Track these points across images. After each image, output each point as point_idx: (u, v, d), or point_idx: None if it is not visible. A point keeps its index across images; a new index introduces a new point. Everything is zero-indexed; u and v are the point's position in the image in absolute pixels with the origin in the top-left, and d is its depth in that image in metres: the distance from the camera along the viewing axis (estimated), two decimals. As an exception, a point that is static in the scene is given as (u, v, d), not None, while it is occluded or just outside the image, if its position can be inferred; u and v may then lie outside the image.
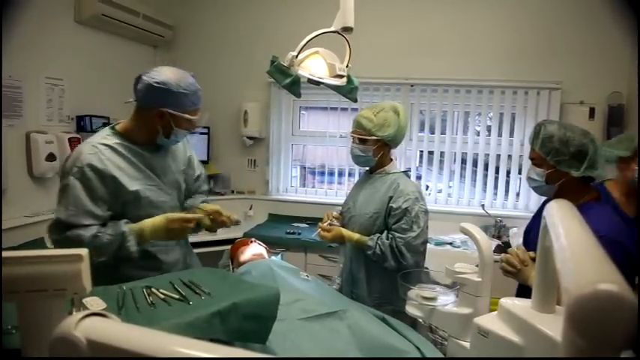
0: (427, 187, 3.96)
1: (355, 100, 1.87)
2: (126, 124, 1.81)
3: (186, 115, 1.76)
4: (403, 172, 2.22)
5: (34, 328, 0.89)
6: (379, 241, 2.04)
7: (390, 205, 2.07)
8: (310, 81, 1.67)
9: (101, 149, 1.70)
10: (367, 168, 2.27)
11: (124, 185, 1.71)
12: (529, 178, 1.83)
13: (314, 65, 1.65)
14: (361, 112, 2.16)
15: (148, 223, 1.71)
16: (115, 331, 0.65)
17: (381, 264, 2.04)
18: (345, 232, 2.14)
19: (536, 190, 1.86)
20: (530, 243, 1.94)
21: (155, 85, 1.70)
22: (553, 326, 1.07)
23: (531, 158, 1.82)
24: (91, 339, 0.63)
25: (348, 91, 1.77)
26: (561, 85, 3.48)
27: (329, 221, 2.24)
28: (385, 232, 2.08)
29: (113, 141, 1.75)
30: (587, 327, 0.40)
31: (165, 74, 1.73)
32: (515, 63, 3.57)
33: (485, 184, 3.74)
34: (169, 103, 1.72)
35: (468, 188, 3.83)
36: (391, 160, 2.23)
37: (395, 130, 2.10)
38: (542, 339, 1.05)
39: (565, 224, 0.79)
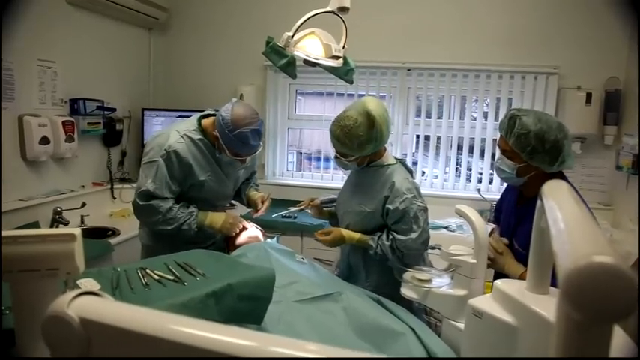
0: (423, 173, 3.96)
1: (351, 82, 1.85)
2: (208, 123, 2.11)
3: (228, 153, 2.04)
4: (399, 160, 2.07)
5: (27, 308, 0.89)
6: (380, 242, 1.95)
7: (387, 206, 1.93)
8: (306, 62, 1.65)
9: (187, 141, 2.05)
10: None
11: (196, 174, 2.07)
12: (498, 169, 1.79)
13: (310, 46, 1.63)
14: (333, 131, 1.93)
15: (210, 216, 2.12)
16: (109, 309, 0.65)
17: (385, 262, 1.97)
18: (346, 232, 2.01)
19: (505, 180, 1.84)
20: (502, 225, 1.95)
21: (220, 114, 1.99)
22: (547, 307, 1.07)
23: (503, 150, 1.76)
24: (84, 317, 0.62)
25: (345, 72, 1.75)
26: (558, 69, 3.47)
27: (303, 207, 2.22)
28: (385, 231, 1.98)
29: (197, 137, 2.08)
30: (582, 300, 0.40)
31: (233, 112, 1.97)
32: (512, 47, 3.55)
33: (481, 168, 3.74)
34: (221, 135, 2.00)
35: (464, 173, 3.83)
36: (384, 150, 2.06)
37: (374, 144, 1.91)
38: (536, 319, 1.05)
39: (562, 205, 0.79)
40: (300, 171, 4.26)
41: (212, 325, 0.57)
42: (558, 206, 0.79)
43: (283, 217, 3.34)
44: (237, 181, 2.34)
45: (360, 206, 2.02)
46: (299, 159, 4.37)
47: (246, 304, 1.19)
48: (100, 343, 0.62)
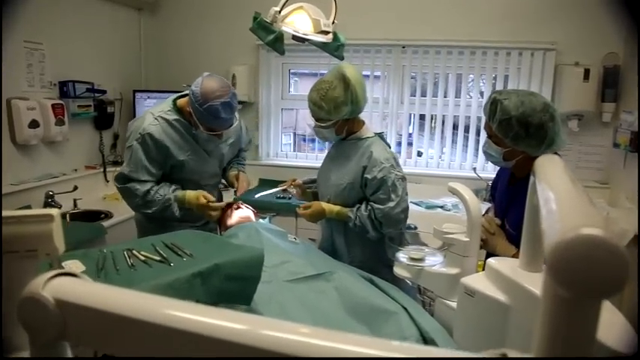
0: (419, 152, 3.93)
1: (342, 58, 1.81)
2: (183, 103, 2.08)
3: (201, 127, 2.00)
4: (377, 134, 2.07)
5: (6, 291, 0.86)
6: (358, 213, 1.96)
7: (365, 176, 1.94)
8: (295, 37, 1.61)
9: (161, 123, 2.04)
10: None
11: (174, 155, 2.06)
12: (486, 153, 1.75)
13: (298, 21, 1.59)
14: (310, 95, 1.96)
15: (188, 195, 2.08)
16: (85, 290, 0.63)
17: (364, 235, 1.98)
18: (326, 205, 2.03)
19: (494, 163, 1.80)
20: (496, 204, 1.92)
21: (191, 89, 1.97)
22: (540, 285, 1.05)
23: (488, 134, 1.72)
24: (60, 298, 0.60)
25: (335, 48, 1.71)
26: (556, 45, 3.41)
27: (286, 187, 2.20)
28: (364, 202, 1.99)
29: (172, 117, 2.07)
30: (568, 275, 0.37)
31: (203, 85, 1.94)
32: (509, 23, 3.48)
33: (477, 147, 3.71)
34: (192, 110, 1.98)
35: (460, 152, 3.80)
36: (362, 123, 2.07)
37: (350, 106, 1.91)
38: (529, 298, 1.03)
39: (553, 181, 0.76)
40: (296, 152, 4.23)
41: (191, 306, 0.55)
42: (550, 182, 0.77)
43: (277, 197, 3.33)
44: (223, 159, 2.32)
45: (338, 179, 2.02)
46: (296, 140, 4.33)
47: (234, 285, 1.17)
48: (77, 325, 0.60)
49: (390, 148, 2.08)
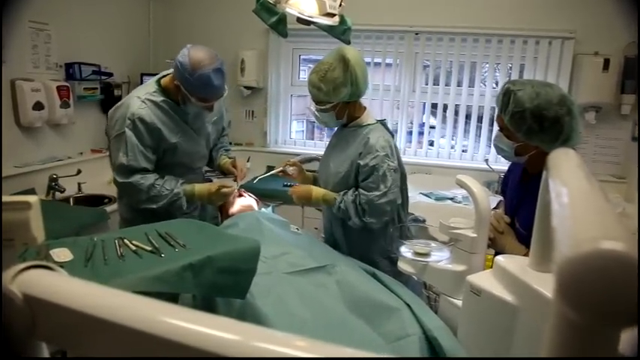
0: (431, 142, 3.84)
1: (349, 42, 1.74)
2: (167, 81, 2.02)
3: (193, 99, 1.94)
4: (379, 121, 2.01)
5: (-19, 282, 0.82)
6: (345, 197, 1.91)
7: (359, 161, 1.89)
8: (299, 20, 1.54)
9: (149, 105, 1.97)
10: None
11: (166, 137, 2.00)
12: (496, 146, 1.65)
13: (303, 2, 1.51)
14: (309, 77, 1.92)
15: (197, 188, 2.05)
16: (57, 285, 0.58)
17: (347, 221, 1.93)
18: (315, 189, 1.99)
19: (505, 158, 1.70)
20: (507, 201, 1.84)
21: (177, 60, 1.89)
22: (550, 286, 0.99)
23: (500, 127, 1.61)
24: (29, 294, 0.56)
25: (342, 32, 1.64)
26: (575, 34, 3.29)
27: (282, 167, 2.13)
28: (353, 188, 1.94)
29: (159, 98, 1.99)
30: (581, 298, 0.31)
31: (191, 56, 1.87)
32: (526, 11, 3.36)
33: (489, 137, 3.62)
34: (182, 82, 1.91)
35: (472, 142, 3.70)
36: (364, 109, 2.01)
37: (349, 89, 1.86)
38: (538, 299, 0.98)
39: (567, 178, 0.70)
40: (309, 139, 4.16)
41: (170, 308, 0.49)
42: (564, 179, 0.70)
43: (285, 185, 3.27)
44: (209, 139, 2.25)
45: (337, 166, 1.97)
46: (309, 127, 4.27)
47: (227, 278, 1.12)
48: (46, 323, 0.56)
49: (392, 136, 2.02)
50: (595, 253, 0.32)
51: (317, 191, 1.98)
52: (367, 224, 1.88)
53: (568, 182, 0.65)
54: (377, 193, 1.86)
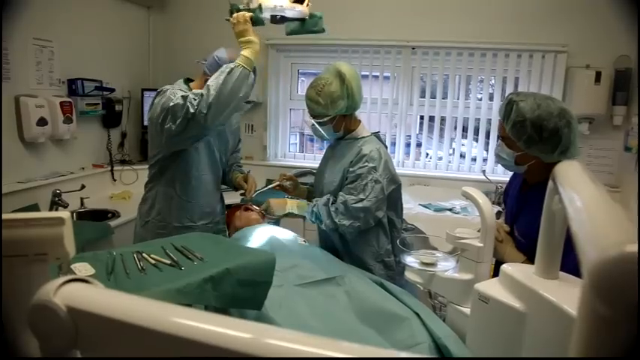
0: (427, 154, 3.90)
1: (324, 31, 1.84)
2: (196, 85, 2.06)
3: None
4: (374, 134, 2.09)
5: (14, 296, 0.85)
6: (317, 202, 1.97)
7: (349, 169, 1.97)
8: (272, 20, 1.63)
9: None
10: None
11: None
12: (497, 155, 1.72)
13: None
14: (307, 92, 2.01)
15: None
16: (98, 297, 0.61)
17: (320, 225, 1.98)
18: (290, 200, 2.04)
19: (505, 167, 1.76)
20: (507, 210, 1.89)
21: (215, 56, 1.99)
22: (556, 292, 1.03)
23: (501, 136, 1.68)
24: (72, 306, 0.58)
25: (314, 23, 1.74)
26: (567, 48, 3.38)
27: (279, 181, 2.19)
28: (327, 195, 2.01)
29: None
30: (613, 293, 0.35)
31: (229, 52, 1.98)
32: (519, 25, 3.45)
33: (486, 149, 3.68)
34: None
35: (469, 154, 3.77)
36: (359, 122, 2.09)
37: (346, 102, 1.95)
38: (545, 305, 1.01)
39: (578, 186, 0.74)
40: (303, 152, 4.21)
41: (205, 315, 0.53)
42: (575, 187, 0.75)
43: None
44: (228, 146, 2.29)
45: (331, 177, 2.04)
46: (302, 140, 4.31)
47: (246, 290, 1.15)
48: (89, 333, 0.59)
49: (386, 148, 2.10)
50: (621, 256, 0.37)
51: (291, 201, 2.05)
52: (339, 227, 1.91)
53: (581, 191, 0.69)
54: (354, 197, 1.91)
